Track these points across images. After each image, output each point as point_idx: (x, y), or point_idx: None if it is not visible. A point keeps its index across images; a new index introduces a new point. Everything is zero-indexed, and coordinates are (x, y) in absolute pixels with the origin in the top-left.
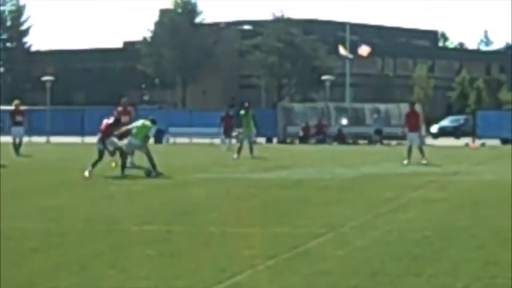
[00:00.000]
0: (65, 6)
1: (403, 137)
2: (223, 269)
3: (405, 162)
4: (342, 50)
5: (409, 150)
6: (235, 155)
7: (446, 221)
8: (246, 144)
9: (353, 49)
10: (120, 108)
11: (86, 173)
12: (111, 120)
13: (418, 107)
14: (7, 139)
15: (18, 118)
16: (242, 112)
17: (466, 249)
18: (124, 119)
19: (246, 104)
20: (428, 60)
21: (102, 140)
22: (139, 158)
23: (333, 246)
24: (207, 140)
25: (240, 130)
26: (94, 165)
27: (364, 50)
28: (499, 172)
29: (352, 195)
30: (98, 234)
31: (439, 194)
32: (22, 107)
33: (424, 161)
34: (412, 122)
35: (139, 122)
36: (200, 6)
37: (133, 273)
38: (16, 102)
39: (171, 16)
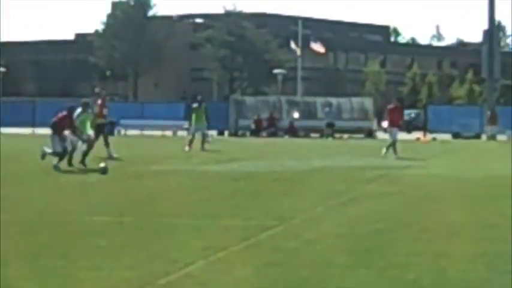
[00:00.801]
0: None
1: (354, 131)
2: (175, 260)
3: (394, 156)
4: (293, 45)
5: (393, 145)
6: (187, 148)
7: (397, 214)
8: (197, 137)
9: (305, 43)
10: (99, 101)
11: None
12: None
13: (369, 101)
14: None
15: None
16: (195, 105)
17: (417, 242)
18: (104, 111)
19: (199, 97)
20: (380, 55)
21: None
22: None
23: (284, 239)
24: (158, 132)
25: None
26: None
27: (318, 47)
28: (450, 166)
29: (304, 187)
30: (50, 225)
31: (390, 187)
32: None
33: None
34: (395, 117)
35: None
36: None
37: (84, 264)
38: None
39: (124, 8)
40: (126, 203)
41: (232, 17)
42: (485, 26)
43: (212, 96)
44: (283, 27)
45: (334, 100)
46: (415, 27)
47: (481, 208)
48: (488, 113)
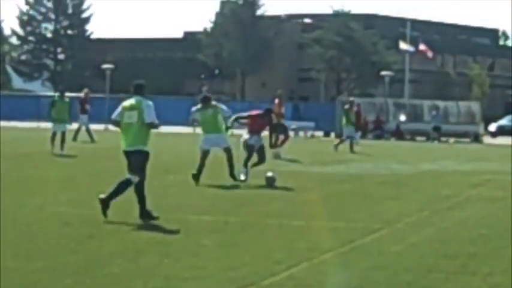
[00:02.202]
0: None
1: (461, 135)
2: (279, 261)
3: None
4: (402, 45)
5: None
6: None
7: (503, 219)
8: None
9: (413, 45)
10: (277, 101)
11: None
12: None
13: (476, 106)
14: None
15: (87, 106)
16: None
17: None
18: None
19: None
20: (488, 58)
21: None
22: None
23: (389, 242)
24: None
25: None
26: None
27: (427, 51)
28: None
29: (409, 191)
30: (154, 223)
31: (496, 192)
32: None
33: None
34: None
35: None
36: None
37: (188, 263)
38: (85, 90)
39: (232, 7)
40: (232, 203)
41: (340, 18)
42: None
43: (319, 97)
44: (391, 28)
45: (441, 103)
46: None
47: None
48: None
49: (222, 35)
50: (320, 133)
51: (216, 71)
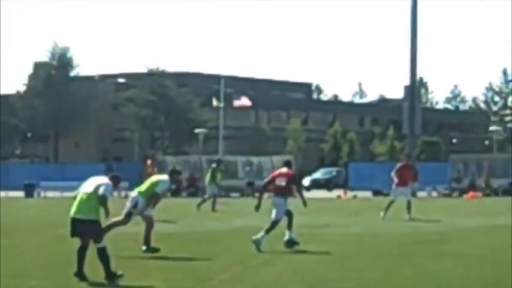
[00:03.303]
0: None
1: None
2: None
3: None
4: (215, 102)
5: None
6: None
7: (315, 273)
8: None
9: (227, 102)
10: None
11: None
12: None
13: (292, 160)
14: None
15: None
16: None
17: None
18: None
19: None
20: (302, 112)
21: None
22: None
23: None
24: None
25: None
26: None
27: (244, 101)
28: (370, 224)
29: (223, 248)
30: None
31: (309, 246)
32: None
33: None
34: (405, 176)
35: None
36: (76, 59)
37: None
38: None
39: (46, 68)
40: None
41: (154, 77)
42: (407, 82)
43: (133, 157)
44: (205, 86)
45: (255, 159)
46: (337, 85)
47: (401, 265)
48: None
49: (36, 96)
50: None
51: (29, 134)
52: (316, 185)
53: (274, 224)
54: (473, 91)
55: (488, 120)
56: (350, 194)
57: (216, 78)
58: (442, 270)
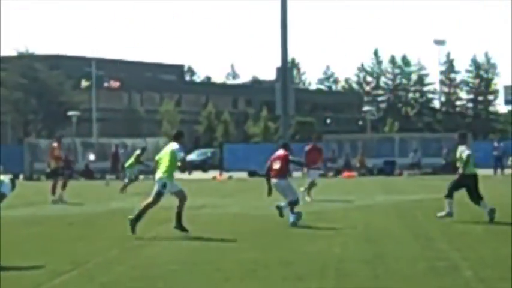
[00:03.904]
0: None
1: (150, 171)
2: None
3: (308, 199)
4: (83, 83)
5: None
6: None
7: (191, 254)
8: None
9: (99, 84)
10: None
11: None
12: None
13: (164, 141)
14: None
15: None
16: None
17: (213, 282)
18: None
19: None
20: (175, 94)
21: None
22: None
23: (78, 284)
24: None
25: None
26: None
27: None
28: (246, 204)
29: (99, 230)
30: None
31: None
32: None
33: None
34: (314, 157)
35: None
36: None
37: None
38: None
39: None
40: None
41: (24, 59)
42: (279, 63)
43: (7, 139)
44: (77, 68)
45: (129, 141)
46: (210, 66)
47: (277, 246)
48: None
49: None
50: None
51: None
52: (191, 166)
53: (295, 203)
54: (346, 72)
55: (361, 100)
56: (225, 175)
57: (88, 60)
58: (317, 249)
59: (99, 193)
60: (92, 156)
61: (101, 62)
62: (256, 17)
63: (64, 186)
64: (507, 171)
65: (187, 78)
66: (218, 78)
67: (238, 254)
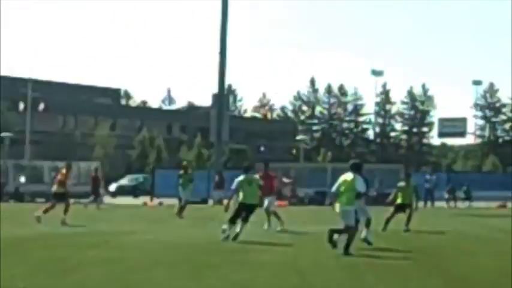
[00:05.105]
0: None
1: (82, 195)
2: None
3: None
4: (21, 106)
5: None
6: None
7: (121, 281)
8: None
9: (34, 106)
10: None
11: None
12: None
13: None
14: None
15: None
16: None
17: None
18: None
19: None
20: (110, 118)
21: None
22: None
23: None
24: None
25: None
26: None
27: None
28: (176, 232)
29: (24, 254)
30: None
31: (115, 253)
32: None
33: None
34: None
35: None
36: None
37: None
38: None
39: None
40: None
41: None
42: (215, 90)
43: None
44: (12, 89)
45: (61, 164)
46: (146, 90)
47: (205, 274)
48: (216, 177)
49: None
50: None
51: None
52: (122, 191)
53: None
54: (282, 100)
55: (295, 129)
56: (156, 200)
57: (24, 81)
58: (243, 278)
59: (27, 216)
60: (22, 179)
61: (37, 84)
62: (195, 42)
63: None
64: (439, 203)
65: (123, 102)
66: (154, 102)
67: (166, 281)
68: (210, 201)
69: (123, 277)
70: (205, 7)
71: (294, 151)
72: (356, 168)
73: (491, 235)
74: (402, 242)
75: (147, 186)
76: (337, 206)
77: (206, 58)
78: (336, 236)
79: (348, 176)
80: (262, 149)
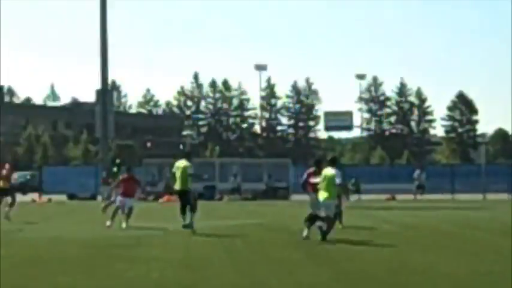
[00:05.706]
0: None
1: None
2: None
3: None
4: None
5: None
6: None
7: (6, 277)
8: None
9: None
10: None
11: None
12: None
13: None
14: None
15: None
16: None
17: None
18: None
19: None
20: None
21: None
22: None
23: None
24: None
25: None
26: None
27: None
28: (65, 228)
29: None
30: None
31: (3, 251)
32: None
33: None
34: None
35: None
36: None
37: None
38: None
39: None
40: None
41: None
42: (99, 86)
43: None
44: None
45: None
46: (30, 87)
47: (95, 271)
48: (104, 173)
49: None
50: None
51: None
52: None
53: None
54: (167, 95)
55: (182, 124)
56: (45, 197)
57: None
58: (136, 275)
59: None
60: None
61: None
62: (77, 37)
63: None
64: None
65: (7, 99)
66: (38, 99)
67: (54, 277)
68: (99, 197)
69: (8, 273)
70: (86, 2)
71: (181, 146)
72: (333, 163)
73: (381, 227)
74: (294, 236)
75: (35, 183)
76: (321, 198)
77: (88, 54)
78: (319, 223)
79: (329, 171)
80: (149, 144)
